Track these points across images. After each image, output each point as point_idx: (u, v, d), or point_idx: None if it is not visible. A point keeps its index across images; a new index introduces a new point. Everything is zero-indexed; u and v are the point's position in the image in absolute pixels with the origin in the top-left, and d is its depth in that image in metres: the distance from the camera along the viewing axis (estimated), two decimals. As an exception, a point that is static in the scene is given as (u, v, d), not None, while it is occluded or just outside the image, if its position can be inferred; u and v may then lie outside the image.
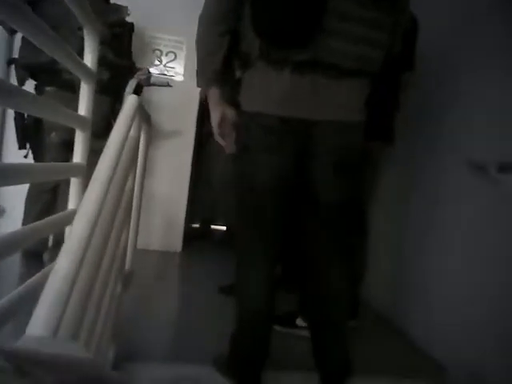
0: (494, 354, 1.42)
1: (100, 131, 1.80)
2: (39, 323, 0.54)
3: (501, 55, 1.61)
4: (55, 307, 0.57)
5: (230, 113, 1.36)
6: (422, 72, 1.96)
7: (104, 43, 2.22)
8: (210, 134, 1.46)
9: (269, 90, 1.23)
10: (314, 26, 1.13)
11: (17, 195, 2.23)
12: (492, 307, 1.46)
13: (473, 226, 1.62)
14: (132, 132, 1.16)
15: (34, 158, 2.25)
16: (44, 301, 0.57)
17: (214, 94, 1.35)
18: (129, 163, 1.11)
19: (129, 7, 2.41)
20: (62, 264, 0.64)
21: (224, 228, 3.98)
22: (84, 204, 0.77)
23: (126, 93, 2.29)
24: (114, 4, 2.41)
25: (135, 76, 2.39)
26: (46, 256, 2.23)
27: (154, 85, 2.63)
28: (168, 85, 2.70)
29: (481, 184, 1.56)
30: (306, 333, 1.51)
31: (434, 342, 1.76)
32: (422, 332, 1.87)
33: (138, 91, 2.46)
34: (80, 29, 1.40)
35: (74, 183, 1.19)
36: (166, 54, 2.96)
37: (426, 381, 1.55)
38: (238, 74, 1.43)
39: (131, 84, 2.34)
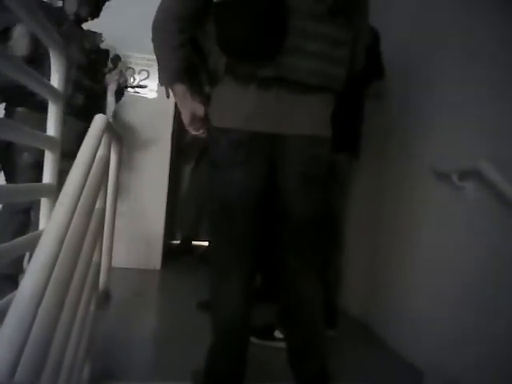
0: (470, 359, 1.45)
1: (75, 153, 1.80)
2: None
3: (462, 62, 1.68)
4: (14, 345, 0.56)
5: (199, 107, 1.35)
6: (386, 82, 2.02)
7: (80, 69, 2.24)
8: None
9: (236, 106, 1.25)
10: (276, 44, 1.16)
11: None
12: (468, 312, 1.49)
13: (445, 233, 1.66)
14: (101, 151, 1.17)
15: (7, 180, 2.22)
16: (3, 335, 0.56)
17: (178, 91, 1.33)
18: (98, 182, 1.12)
19: (99, 31, 2.44)
20: (26, 287, 0.64)
21: (206, 243, 3.96)
22: (50, 224, 0.77)
23: (108, 99, 2.31)
24: (89, 30, 2.44)
25: (110, 80, 2.40)
26: (21, 278, 2.19)
27: (131, 87, 2.68)
28: (142, 86, 2.77)
29: (446, 191, 1.61)
30: (283, 344, 1.52)
31: (412, 349, 1.79)
32: (400, 339, 1.90)
33: (119, 95, 2.49)
34: None
35: (45, 204, 1.19)
36: (139, 72, 2.99)
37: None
38: (206, 89, 1.45)
39: (111, 89, 2.35)
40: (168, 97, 1.40)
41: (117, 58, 2.54)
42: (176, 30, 1.25)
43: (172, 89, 1.34)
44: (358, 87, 1.90)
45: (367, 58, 1.86)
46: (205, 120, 1.36)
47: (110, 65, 2.47)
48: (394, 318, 1.98)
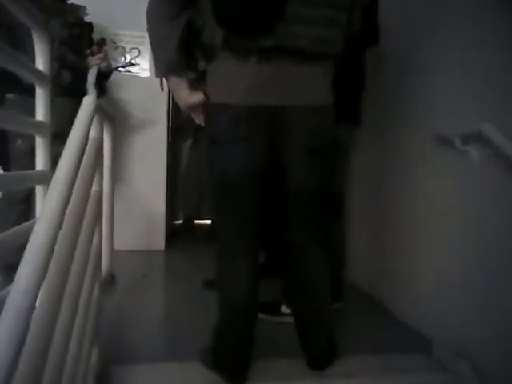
0: (477, 327, 1.45)
1: (67, 135, 1.76)
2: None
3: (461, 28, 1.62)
4: (14, 338, 0.54)
5: (197, 98, 1.31)
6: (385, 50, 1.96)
7: (63, 43, 2.16)
8: (186, 123, 1.44)
9: (235, 80, 1.22)
10: (276, 12, 1.12)
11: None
12: (475, 282, 1.48)
13: (450, 200, 1.64)
14: (93, 133, 1.14)
15: (3, 169, 2.19)
16: (2, 329, 0.55)
17: (174, 84, 1.31)
18: (92, 165, 1.09)
19: (87, 7, 2.36)
20: (21, 277, 0.62)
21: (209, 222, 3.96)
22: (43, 211, 0.75)
23: (88, 84, 2.23)
24: (72, 4, 2.35)
25: (91, 63, 2.31)
26: None
27: (117, 69, 2.59)
28: (131, 64, 2.66)
29: (450, 157, 1.58)
30: (290, 319, 1.52)
31: (420, 318, 1.79)
32: (408, 308, 1.90)
33: (102, 80, 2.40)
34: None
35: (40, 191, 1.17)
36: (130, 51, 2.91)
37: (414, 355, 1.58)
38: (202, 65, 1.41)
39: (91, 73, 2.26)
40: (162, 89, 1.36)
41: (102, 42, 2.43)
42: (167, 17, 1.20)
43: (167, 81, 1.31)
44: (356, 52, 1.85)
45: (364, 22, 1.81)
46: (204, 104, 1.32)
47: (94, 48, 2.37)
48: (402, 289, 1.98)
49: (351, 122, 1.90)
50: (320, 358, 1.44)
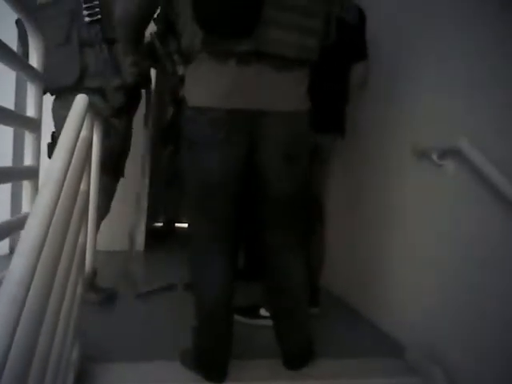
0: (449, 332, 1.50)
1: None
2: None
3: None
4: (7, 329, 0.56)
5: None
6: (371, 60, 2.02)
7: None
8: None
9: (214, 83, 1.24)
10: (253, 16, 1.16)
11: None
12: (448, 286, 1.53)
13: (429, 209, 1.68)
14: (84, 132, 1.16)
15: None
16: None
17: None
18: (81, 164, 1.10)
19: None
20: (16, 267, 0.64)
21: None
22: (35, 206, 0.76)
23: None
24: None
25: None
26: None
27: None
28: None
29: (426, 170, 1.64)
30: (269, 322, 1.55)
31: (393, 323, 1.85)
32: (381, 314, 1.96)
33: None
34: None
35: (27, 186, 1.17)
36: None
37: (387, 359, 1.62)
38: (180, 70, 1.44)
39: None
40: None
41: None
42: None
43: None
44: (342, 67, 1.91)
45: (353, 37, 1.87)
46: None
47: None
48: (376, 295, 2.03)
49: (336, 134, 1.95)
50: (296, 357, 1.47)
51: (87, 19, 1.83)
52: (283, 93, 1.28)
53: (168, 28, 1.33)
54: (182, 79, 1.38)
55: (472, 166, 1.37)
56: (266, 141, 1.29)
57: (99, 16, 1.83)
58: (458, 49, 1.56)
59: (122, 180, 2.37)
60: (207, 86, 1.25)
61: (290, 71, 1.27)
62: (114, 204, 2.26)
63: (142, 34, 1.43)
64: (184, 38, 1.25)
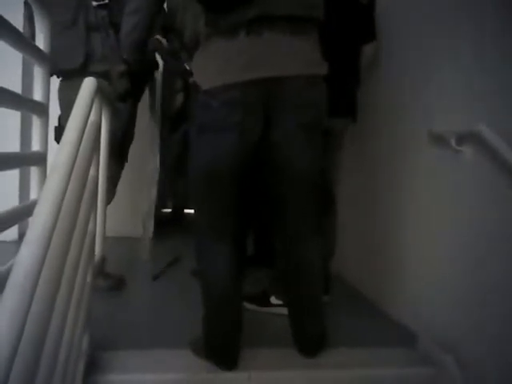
0: (462, 321, 1.48)
1: None
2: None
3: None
4: (16, 318, 0.54)
5: None
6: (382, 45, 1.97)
7: None
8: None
9: (226, 60, 1.21)
10: None
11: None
12: (462, 275, 1.50)
13: (444, 197, 1.65)
14: (92, 117, 1.12)
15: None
16: (5, 309, 0.54)
17: None
18: (90, 149, 1.07)
19: None
20: (24, 257, 0.62)
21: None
22: (44, 192, 0.74)
23: None
24: None
25: None
26: None
27: None
28: None
29: (442, 156, 1.59)
30: (280, 310, 1.54)
31: (406, 312, 1.82)
32: (394, 303, 1.93)
33: None
34: None
35: (35, 172, 1.15)
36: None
37: (399, 349, 1.60)
38: (188, 62, 1.41)
39: None
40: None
41: None
42: None
43: None
44: (352, 49, 1.86)
45: (362, 18, 1.84)
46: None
47: None
48: (390, 285, 2.00)
49: (346, 117, 1.91)
50: (313, 344, 1.46)
51: (94, 3, 1.81)
52: (298, 57, 1.24)
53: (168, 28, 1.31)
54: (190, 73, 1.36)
55: (491, 150, 1.32)
56: (283, 113, 1.24)
57: (107, 0, 1.81)
58: (472, 31, 1.50)
59: (128, 166, 2.35)
60: (219, 64, 1.22)
61: (302, 34, 1.24)
62: (121, 189, 2.25)
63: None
64: (186, 32, 1.24)
